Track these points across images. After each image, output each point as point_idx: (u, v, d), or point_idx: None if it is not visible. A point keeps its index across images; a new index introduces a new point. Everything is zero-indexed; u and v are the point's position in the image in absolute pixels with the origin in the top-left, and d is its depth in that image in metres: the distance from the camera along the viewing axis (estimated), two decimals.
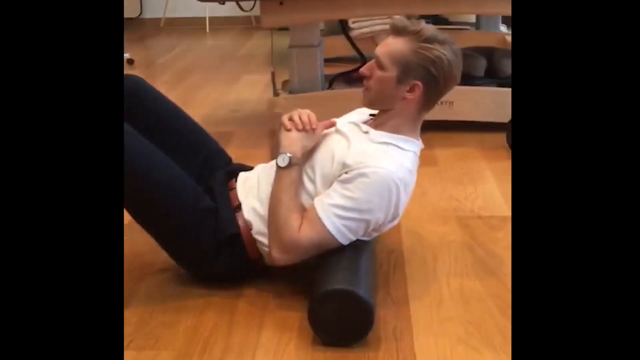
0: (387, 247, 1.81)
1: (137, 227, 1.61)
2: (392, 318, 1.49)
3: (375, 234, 1.57)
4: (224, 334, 1.45)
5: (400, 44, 1.48)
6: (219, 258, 1.58)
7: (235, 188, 1.66)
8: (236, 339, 1.43)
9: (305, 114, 1.56)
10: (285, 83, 3.00)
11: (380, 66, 1.50)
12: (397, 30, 1.50)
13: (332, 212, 1.44)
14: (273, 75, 2.95)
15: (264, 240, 1.55)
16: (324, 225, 1.44)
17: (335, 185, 1.47)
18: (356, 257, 1.49)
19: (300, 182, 1.53)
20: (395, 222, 1.56)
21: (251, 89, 3.61)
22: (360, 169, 1.44)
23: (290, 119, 1.56)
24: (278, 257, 1.48)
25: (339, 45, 3.73)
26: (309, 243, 1.46)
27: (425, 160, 1.58)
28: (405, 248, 1.80)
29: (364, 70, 1.54)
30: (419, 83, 1.47)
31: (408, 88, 1.49)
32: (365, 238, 1.54)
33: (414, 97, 1.50)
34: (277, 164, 1.51)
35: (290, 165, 1.50)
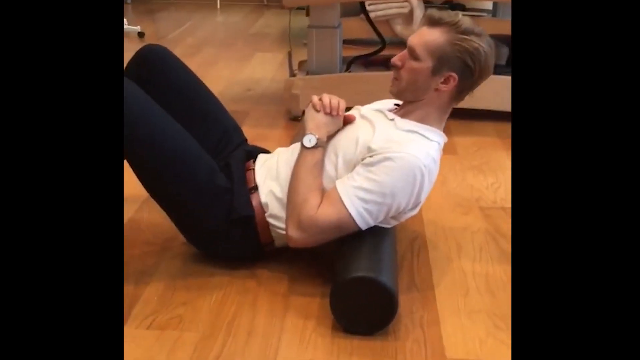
0: (409, 236, 1.79)
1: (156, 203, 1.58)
2: (419, 308, 1.47)
3: (394, 222, 1.55)
4: (248, 317, 1.43)
5: (437, 34, 1.45)
6: (229, 238, 1.56)
7: (252, 169, 1.64)
8: (260, 323, 1.41)
9: (336, 99, 1.54)
10: (301, 63, 2.96)
11: (414, 57, 1.47)
12: (432, 21, 1.47)
13: (355, 194, 1.42)
14: (290, 55, 2.91)
15: (277, 223, 1.54)
16: (344, 207, 1.42)
17: (359, 169, 1.45)
18: (378, 243, 1.47)
19: (323, 163, 1.50)
20: (415, 211, 1.54)
21: (264, 68, 3.56)
22: (385, 153, 1.42)
23: (321, 100, 1.54)
24: (294, 235, 1.45)
25: (354, 27, 3.68)
26: (326, 223, 1.43)
27: (445, 148, 1.56)
28: (429, 237, 1.78)
29: (395, 60, 1.51)
30: (454, 75, 1.46)
31: (442, 79, 1.47)
32: (384, 225, 1.52)
33: (448, 89, 1.48)
34: (302, 143, 1.50)
35: (316, 146, 1.48)
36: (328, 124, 1.52)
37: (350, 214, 1.42)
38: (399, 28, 3.82)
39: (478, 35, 1.45)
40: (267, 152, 1.77)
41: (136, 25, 4.36)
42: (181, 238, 1.65)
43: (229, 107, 1.84)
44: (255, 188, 1.58)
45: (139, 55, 1.74)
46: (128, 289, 1.51)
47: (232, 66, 3.59)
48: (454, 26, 1.45)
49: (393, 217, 1.51)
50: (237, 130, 1.82)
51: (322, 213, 1.43)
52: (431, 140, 1.49)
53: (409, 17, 3.80)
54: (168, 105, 1.57)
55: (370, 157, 1.44)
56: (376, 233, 1.48)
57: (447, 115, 1.56)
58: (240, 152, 1.73)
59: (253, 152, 1.74)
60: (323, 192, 1.48)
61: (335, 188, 1.45)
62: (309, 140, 1.49)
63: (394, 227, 1.59)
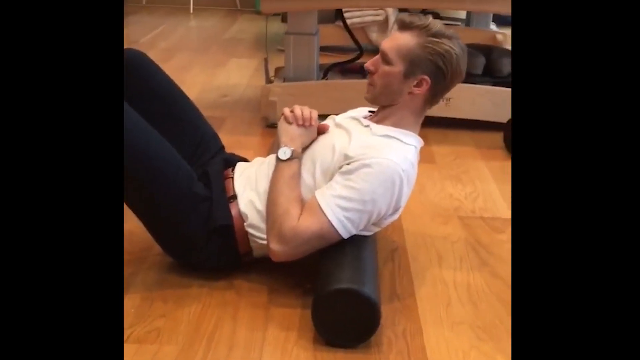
0: (390, 246, 1.77)
1: (130, 211, 1.54)
2: (401, 319, 1.46)
3: (375, 229, 1.54)
4: (228, 330, 1.40)
5: (408, 38, 1.46)
6: (207, 248, 1.54)
7: (230, 177, 1.62)
8: (241, 335, 1.39)
9: (308, 110, 1.54)
10: (278, 70, 2.94)
11: (387, 61, 1.47)
12: (403, 25, 1.48)
13: (335, 202, 1.40)
14: (266, 61, 2.89)
15: (256, 233, 1.51)
16: (325, 216, 1.40)
17: (337, 177, 1.43)
18: (359, 254, 1.45)
19: (300, 175, 1.49)
20: (396, 216, 1.53)
21: (240, 74, 3.53)
22: (363, 160, 1.41)
23: (292, 112, 1.53)
24: (276, 248, 1.43)
25: (329, 34, 3.68)
26: (308, 234, 1.41)
27: (422, 156, 1.56)
28: (409, 247, 1.77)
29: (368, 66, 1.51)
30: (427, 77, 1.45)
31: (415, 82, 1.47)
32: (365, 232, 1.51)
33: (421, 92, 1.48)
34: (277, 156, 1.48)
35: (291, 158, 1.46)
36: (302, 135, 1.51)
37: (331, 224, 1.40)
38: (374, 35, 3.82)
39: (449, 38, 1.45)
40: (246, 160, 1.75)
41: None
42: (157, 248, 1.61)
43: (205, 113, 1.82)
44: (234, 197, 1.55)
45: None
46: None
47: (207, 72, 3.55)
48: (424, 29, 1.45)
49: (374, 224, 1.50)
50: (215, 138, 1.80)
51: (303, 224, 1.41)
52: (408, 144, 1.49)
53: (384, 25, 3.81)
54: (145, 111, 1.54)
55: (348, 164, 1.43)
56: (357, 243, 1.47)
57: (422, 119, 1.56)
58: (218, 160, 1.71)
59: (231, 161, 1.72)
60: (302, 202, 1.46)
61: (315, 198, 1.43)
62: (284, 153, 1.47)
63: (374, 237, 1.58)
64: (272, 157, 1.56)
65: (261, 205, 1.51)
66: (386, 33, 3.78)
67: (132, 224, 1.70)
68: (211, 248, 1.54)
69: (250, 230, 1.52)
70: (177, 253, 1.59)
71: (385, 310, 1.45)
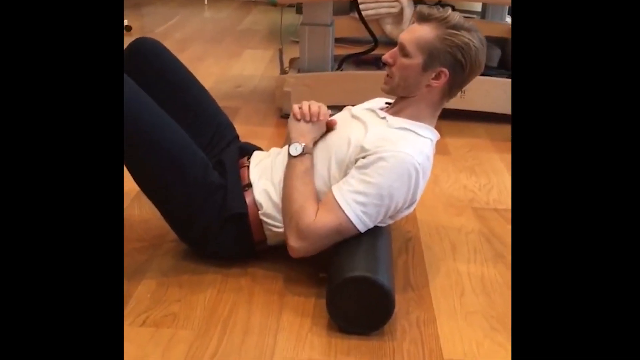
0: (404, 236, 1.78)
1: (146, 198, 1.56)
2: (415, 308, 1.46)
3: (390, 221, 1.54)
4: (243, 315, 1.41)
5: (427, 30, 1.45)
6: (221, 236, 1.54)
7: (246, 166, 1.62)
8: (256, 321, 1.40)
9: (316, 105, 1.54)
10: (292, 61, 2.95)
11: (405, 53, 1.47)
12: (422, 17, 1.47)
13: (352, 198, 1.41)
14: (281, 52, 2.89)
15: (271, 221, 1.52)
16: (343, 212, 1.40)
17: (353, 172, 1.43)
18: (374, 243, 1.46)
19: (313, 169, 1.49)
20: (412, 209, 1.53)
21: (254, 65, 3.54)
22: (378, 153, 1.41)
23: (300, 109, 1.54)
24: (295, 245, 1.44)
25: (344, 26, 3.67)
26: (326, 229, 1.42)
27: (437, 148, 1.57)
28: (423, 238, 1.78)
29: (386, 58, 1.51)
30: (446, 70, 1.45)
31: (434, 75, 1.46)
32: (380, 224, 1.51)
33: (439, 85, 1.47)
34: (289, 152, 1.49)
35: (302, 154, 1.47)
36: (311, 131, 1.52)
37: (349, 219, 1.41)
38: (388, 27, 3.81)
39: (468, 30, 1.44)
40: (260, 149, 1.76)
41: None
42: (172, 235, 1.63)
43: (219, 103, 1.83)
44: (249, 185, 1.56)
45: (132, 48, 1.71)
46: None
47: (221, 63, 3.56)
48: (443, 21, 1.44)
49: (390, 217, 1.50)
50: (230, 127, 1.81)
51: (321, 220, 1.42)
52: (424, 137, 1.48)
53: (398, 17, 3.80)
54: (161, 99, 1.55)
55: (364, 158, 1.43)
56: (372, 232, 1.47)
57: (439, 112, 1.56)
58: (233, 148, 1.72)
59: (246, 149, 1.73)
60: (317, 194, 1.47)
61: (331, 194, 1.43)
62: (295, 149, 1.48)
63: (388, 227, 1.58)
64: (287, 149, 1.56)
65: (276, 196, 1.51)
66: (401, 25, 3.77)
67: (147, 210, 1.73)
68: (225, 236, 1.55)
69: (265, 219, 1.53)
70: (192, 240, 1.60)
71: (399, 300, 1.46)
